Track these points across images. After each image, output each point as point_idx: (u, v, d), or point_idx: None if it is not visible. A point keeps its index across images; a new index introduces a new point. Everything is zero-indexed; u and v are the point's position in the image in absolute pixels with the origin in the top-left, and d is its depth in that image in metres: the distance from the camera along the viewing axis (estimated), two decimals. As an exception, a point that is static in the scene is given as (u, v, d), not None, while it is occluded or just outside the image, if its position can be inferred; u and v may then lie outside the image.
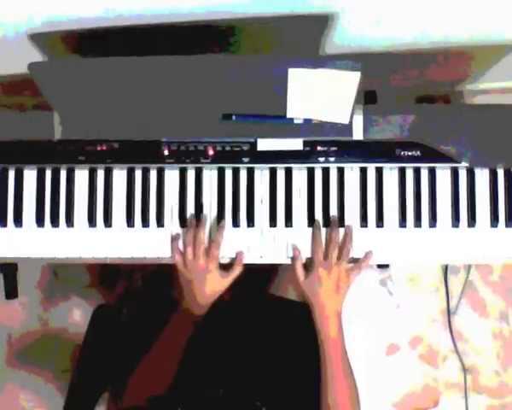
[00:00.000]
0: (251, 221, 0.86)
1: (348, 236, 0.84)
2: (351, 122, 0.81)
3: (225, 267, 0.84)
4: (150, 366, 0.81)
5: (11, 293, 0.92)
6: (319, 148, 0.83)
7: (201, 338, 0.89)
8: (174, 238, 0.85)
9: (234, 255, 0.86)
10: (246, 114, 0.80)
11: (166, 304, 1.03)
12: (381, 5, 0.80)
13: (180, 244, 0.85)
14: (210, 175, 0.87)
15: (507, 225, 0.86)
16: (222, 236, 0.84)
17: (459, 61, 1.06)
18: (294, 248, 0.85)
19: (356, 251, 0.85)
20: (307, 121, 0.81)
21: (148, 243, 0.86)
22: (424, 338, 1.51)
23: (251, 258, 0.86)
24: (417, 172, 0.86)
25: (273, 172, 0.86)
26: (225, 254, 0.85)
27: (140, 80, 0.76)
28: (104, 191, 0.87)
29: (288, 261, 0.86)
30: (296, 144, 0.83)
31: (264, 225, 0.86)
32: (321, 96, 0.77)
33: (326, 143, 0.83)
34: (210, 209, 0.87)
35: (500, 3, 0.80)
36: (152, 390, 0.78)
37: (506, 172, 0.87)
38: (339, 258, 0.82)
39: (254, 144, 0.83)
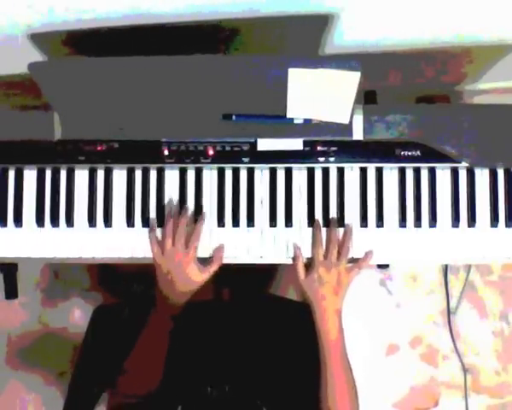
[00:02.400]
0: (251, 221, 0.86)
1: (348, 235, 0.84)
2: (351, 122, 0.81)
3: (207, 262, 0.84)
4: (136, 365, 0.80)
5: (11, 293, 0.92)
6: (319, 148, 0.83)
7: (201, 337, 0.90)
8: (152, 229, 0.84)
9: (234, 255, 0.86)
10: (246, 114, 0.80)
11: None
12: (381, 5, 0.80)
13: (158, 235, 0.84)
14: (210, 175, 0.87)
15: (507, 225, 0.86)
16: (202, 227, 0.83)
17: (459, 61, 1.06)
18: (296, 248, 0.85)
19: (356, 251, 0.85)
20: (307, 121, 0.81)
21: (148, 243, 0.86)
22: (424, 338, 1.51)
23: (251, 258, 0.86)
24: (417, 172, 0.86)
25: (273, 172, 0.86)
26: (226, 254, 0.85)
27: (140, 80, 0.76)
28: (104, 191, 0.87)
29: (288, 261, 0.86)
30: (296, 144, 0.83)
31: (264, 225, 0.86)
32: (321, 96, 0.77)
33: (326, 143, 0.83)
34: (210, 209, 0.86)
35: (500, 3, 0.80)
36: (141, 388, 0.77)
37: (506, 172, 0.87)
38: (339, 258, 0.82)
39: (254, 144, 0.83)
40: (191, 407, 0.73)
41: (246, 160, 0.84)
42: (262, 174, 0.87)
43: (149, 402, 0.76)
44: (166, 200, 0.87)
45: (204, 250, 0.85)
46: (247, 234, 0.86)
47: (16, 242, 0.87)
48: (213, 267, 0.83)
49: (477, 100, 1.29)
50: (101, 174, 0.88)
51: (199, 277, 0.82)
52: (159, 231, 0.85)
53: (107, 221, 0.87)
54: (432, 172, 0.86)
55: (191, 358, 0.86)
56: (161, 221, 0.86)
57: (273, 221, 0.86)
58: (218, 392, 0.77)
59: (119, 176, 0.87)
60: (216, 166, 0.86)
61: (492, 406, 1.50)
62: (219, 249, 0.84)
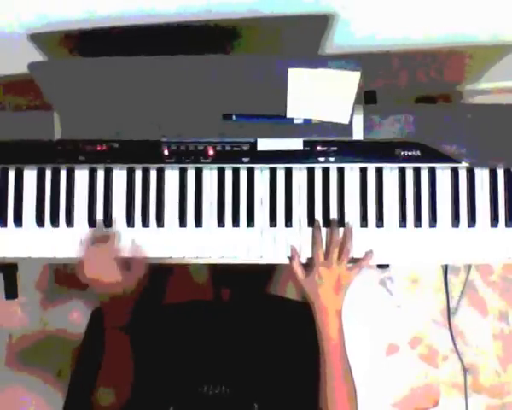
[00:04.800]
0: (251, 221, 0.86)
1: (348, 235, 0.84)
2: (351, 122, 0.81)
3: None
4: (106, 380, 0.80)
5: (11, 293, 0.92)
6: (319, 148, 0.83)
7: (199, 336, 0.89)
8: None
9: (234, 255, 0.85)
10: (246, 114, 0.80)
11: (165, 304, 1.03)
12: (381, 5, 0.80)
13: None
14: (210, 175, 0.87)
15: (507, 225, 0.86)
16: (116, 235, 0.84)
17: (459, 61, 1.06)
18: (292, 248, 0.85)
19: (356, 251, 0.85)
20: (307, 121, 0.81)
21: (149, 243, 0.86)
22: (424, 338, 1.51)
23: (251, 258, 0.86)
24: (417, 172, 0.87)
25: (273, 172, 0.86)
26: (225, 254, 0.85)
27: (140, 80, 0.76)
28: (104, 191, 0.87)
29: (288, 261, 0.86)
30: (296, 144, 0.83)
31: (264, 225, 0.86)
32: (321, 96, 0.77)
33: (326, 143, 0.83)
34: (210, 209, 0.86)
35: (500, 3, 0.80)
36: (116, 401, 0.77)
37: (506, 172, 0.87)
38: (339, 257, 0.82)
39: (254, 144, 0.83)
40: (185, 407, 0.73)
41: (246, 160, 0.84)
42: (262, 174, 0.87)
43: (139, 404, 0.76)
44: (166, 200, 0.87)
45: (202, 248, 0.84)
46: (247, 234, 0.86)
47: (16, 242, 0.87)
48: (134, 273, 0.82)
49: (477, 100, 1.29)
50: (101, 174, 0.88)
51: (116, 275, 0.81)
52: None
53: (107, 221, 0.87)
54: (432, 172, 0.86)
55: (191, 357, 0.86)
56: (161, 222, 0.86)
57: (273, 221, 0.86)
58: (215, 392, 0.77)
59: (119, 176, 0.87)
60: (216, 166, 0.86)
61: (492, 406, 1.50)
62: (137, 251, 0.85)
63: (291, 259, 0.85)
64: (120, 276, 0.81)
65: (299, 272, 0.83)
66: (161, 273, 1.04)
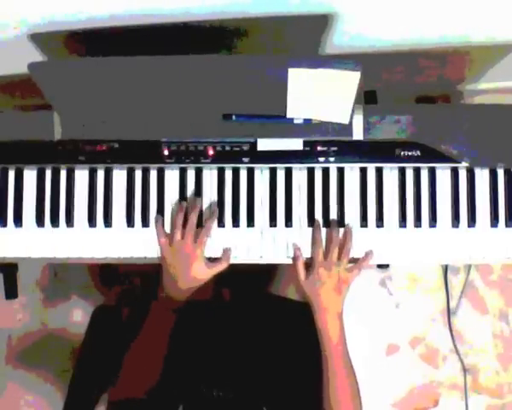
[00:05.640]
0: (251, 221, 0.86)
1: (348, 235, 0.84)
2: (351, 122, 0.81)
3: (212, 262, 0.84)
4: (135, 359, 0.80)
5: (11, 293, 0.92)
6: (319, 148, 0.83)
7: (202, 337, 0.89)
8: (158, 221, 0.85)
9: (234, 255, 0.85)
10: (246, 114, 0.80)
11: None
12: (381, 5, 0.80)
13: (166, 229, 0.84)
14: (210, 175, 0.87)
15: (507, 225, 0.86)
16: (213, 223, 0.83)
17: (459, 61, 1.06)
18: (296, 248, 0.85)
19: (356, 251, 0.85)
20: (307, 121, 0.81)
21: (148, 243, 0.86)
22: (424, 338, 1.51)
23: (251, 258, 0.86)
24: (417, 172, 0.86)
25: (273, 172, 0.86)
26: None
27: (140, 80, 0.76)
28: (104, 191, 0.87)
29: (288, 261, 0.86)
30: (296, 144, 0.83)
31: (264, 225, 0.86)
32: (321, 96, 0.77)
33: (326, 143, 0.83)
34: (210, 209, 0.86)
35: (500, 3, 0.80)
36: (140, 383, 0.77)
37: (506, 172, 0.87)
38: (339, 258, 0.82)
39: (254, 144, 0.83)
40: (193, 407, 0.73)
41: (246, 160, 0.84)
42: (262, 174, 0.87)
43: (149, 402, 0.76)
44: (166, 200, 0.87)
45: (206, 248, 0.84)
46: (247, 234, 0.86)
47: (16, 242, 0.87)
48: (220, 266, 0.83)
49: (477, 100, 1.29)
50: (101, 174, 0.88)
51: (204, 272, 0.82)
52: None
53: (107, 221, 0.87)
54: (432, 172, 0.86)
55: (192, 358, 0.86)
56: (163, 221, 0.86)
57: (273, 221, 0.86)
58: (219, 393, 0.77)
59: (119, 176, 0.87)
60: (216, 166, 0.86)
61: (492, 406, 1.50)
62: (227, 250, 0.85)
63: (295, 259, 0.85)
64: (208, 273, 0.82)
65: (302, 272, 0.83)
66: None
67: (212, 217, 0.84)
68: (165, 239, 0.83)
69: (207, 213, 0.86)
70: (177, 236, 0.81)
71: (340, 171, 0.87)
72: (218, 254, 0.85)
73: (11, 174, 0.88)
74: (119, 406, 0.76)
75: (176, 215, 0.83)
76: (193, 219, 0.82)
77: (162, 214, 0.86)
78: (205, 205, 0.87)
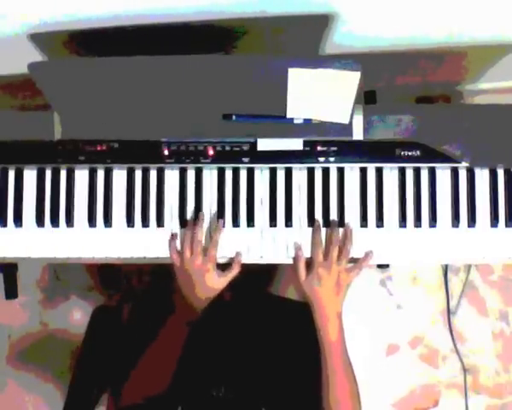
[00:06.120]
0: (251, 221, 0.86)
1: (348, 235, 0.84)
2: (351, 122, 0.81)
3: (223, 268, 0.84)
4: (147, 367, 0.81)
5: (11, 293, 0.92)
6: (319, 148, 0.83)
7: (202, 338, 0.89)
8: (172, 238, 0.86)
9: (233, 255, 0.86)
10: (246, 114, 0.80)
11: (166, 305, 1.03)
12: (381, 5, 0.80)
13: (178, 244, 0.85)
14: (210, 175, 0.87)
15: (507, 225, 0.86)
16: (219, 235, 0.84)
17: (459, 61, 1.06)
18: (297, 249, 0.85)
19: (356, 251, 0.85)
20: (307, 121, 0.81)
21: (148, 243, 0.86)
22: (424, 338, 1.51)
23: (251, 258, 0.86)
24: (417, 172, 0.86)
25: (273, 172, 0.86)
26: (225, 254, 0.85)
27: (140, 80, 0.76)
28: (104, 191, 0.87)
29: (288, 261, 0.86)
30: (296, 144, 0.83)
31: (264, 225, 0.86)
32: (321, 96, 0.77)
33: (326, 143, 0.83)
34: (210, 209, 0.87)
35: (500, 3, 0.80)
36: (150, 390, 0.78)
37: (506, 172, 0.87)
38: (339, 258, 0.82)
39: (254, 144, 0.83)
40: (192, 407, 0.73)
41: (246, 160, 0.84)
42: (262, 174, 0.87)
43: (151, 404, 0.76)
44: (166, 200, 0.87)
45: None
46: (247, 234, 0.86)
47: (16, 242, 0.87)
48: (233, 273, 0.84)
49: (477, 100, 1.29)
50: (101, 174, 0.88)
51: (218, 283, 0.83)
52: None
53: (107, 221, 0.87)
54: (432, 172, 0.86)
55: (191, 358, 0.86)
56: (161, 222, 0.86)
57: (273, 221, 0.86)
58: (219, 393, 0.77)
59: (119, 176, 0.87)
60: (216, 166, 0.86)
61: (492, 406, 1.50)
62: (238, 255, 0.85)
63: (296, 259, 0.85)
64: (221, 283, 0.83)
65: (302, 272, 0.83)
66: (161, 274, 1.03)
67: (217, 230, 0.84)
68: (177, 257, 0.84)
69: (212, 222, 0.86)
70: (187, 253, 0.82)
71: (340, 171, 0.87)
72: (219, 255, 0.85)
73: (11, 174, 0.88)
74: None
75: (184, 234, 0.84)
76: (198, 234, 0.83)
77: (162, 214, 0.86)
78: (205, 205, 0.87)
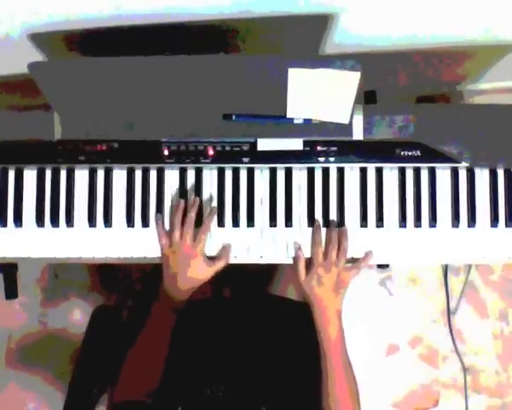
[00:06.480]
0: (251, 221, 0.86)
1: (344, 235, 0.84)
2: (351, 122, 0.81)
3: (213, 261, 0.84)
4: (136, 360, 0.80)
5: (11, 293, 0.92)
6: (319, 148, 0.83)
7: (201, 337, 0.89)
8: (159, 220, 0.85)
9: (234, 255, 0.86)
10: (246, 114, 0.80)
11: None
12: (381, 5, 0.80)
13: (166, 228, 0.85)
14: (210, 175, 0.87)
15: (507, 225, 0.86)
16: (211, 221, 0.83)
17: (459, 61, 1.06)
18: (297, 249, 0.85)
19: (356, 251, 0.85)
20: (307, 121, 0.81)
21: (148, 243, 0.86)
22: (424, 338, 1.51)
23: (251, 258, 0.86)
24: (417, 172, 0.86)
25: (273, 172, 0.86)
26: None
27: (140, 80, 0.76)
28: (104, 191, 0.87)
29: (288, 261, 0.86)
30: (296, 144, 0.83)
31: (264, 225, 0.86)
32: (321, 96, 0.77)
33: (326, 143, 0.83)
34: (209, 206, 0.86)
35: (500, 4, 0.80)
36: (142, 384, 0.77)
37: (506, 172, 0.87)
38: (337, 258, 0.82)
39: (254, 144, 0.83)
40: (191, 407, 0.73)
41: (246, 160, 0.84)
42: (262, 174, 0.87)
43: (150, 405, 0.76)
44: (166, 200, 0.87)
45: (207, 248, 0.84)
46: (247, 234, 0.86)
47: (16, 242, 0.87)
48: (220, 264, 0.83)
49: (477, 100, 1.29)
50: (101, 174, 0.88)
51: (204, 271, 0.82)
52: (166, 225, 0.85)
53: (107, 221, 0.87)
54: (432, 172, 0.86)
55: (191, 357, 0.86)
56: (163, 221, 0.86)
57: (273, 221, 0.86)
58: (219, 393, 0.77)
59: (119, 176, 0.87)
60: (216, 166, 0.86)
61: (492, 406, 1.50)
62: (227, 247, 0.85)
63: (296, 259, 0.85)
64: (208, 272, 0.82)
65: (302, 272, 0.83)
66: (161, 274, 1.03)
67: (210, 214, 0.83)
68: (166, 240, 0.83)
69: (206, 211, 0.86)
70: (176, 235, 0.81)
71: (340, 171, 0.87)
72: (216, 253, 0.85)
73: (11, 174, 0.88)
74: (121, 408, 0.76)
75: (174, 214, 0.83)
76: (191, 217, 0.82)
77: (162, 214, 0.86)
78: (205, 205, 0.87)
